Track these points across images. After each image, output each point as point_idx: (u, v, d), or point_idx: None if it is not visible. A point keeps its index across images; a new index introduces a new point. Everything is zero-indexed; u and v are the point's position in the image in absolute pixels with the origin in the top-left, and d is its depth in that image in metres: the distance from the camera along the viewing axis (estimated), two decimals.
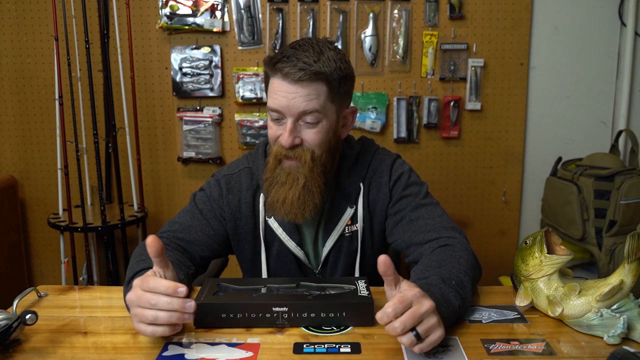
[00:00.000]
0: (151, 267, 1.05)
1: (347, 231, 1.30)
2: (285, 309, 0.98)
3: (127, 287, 1.05)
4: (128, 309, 0.99)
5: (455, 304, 0.97)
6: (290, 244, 1.28)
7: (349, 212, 1.29)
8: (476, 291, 1.15)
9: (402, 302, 0.84)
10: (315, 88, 1.13)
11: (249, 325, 0.98)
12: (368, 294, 1.01)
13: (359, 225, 1.30)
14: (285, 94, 1.13)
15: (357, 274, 1.32)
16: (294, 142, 1.16)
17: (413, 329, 0.84)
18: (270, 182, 1.22)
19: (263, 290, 1.05)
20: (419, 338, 0.84)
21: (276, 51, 1.42)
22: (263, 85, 2.44)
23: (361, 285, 1.05)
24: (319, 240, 1.32)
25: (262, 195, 1.28)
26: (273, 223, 1.28)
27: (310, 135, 1.17)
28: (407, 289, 0.87)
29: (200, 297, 1.00)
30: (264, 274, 1.32)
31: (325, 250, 1.30)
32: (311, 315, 0.98)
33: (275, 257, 1.31)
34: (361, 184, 1.30)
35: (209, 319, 0.98)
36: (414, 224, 1.23)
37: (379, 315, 0.85)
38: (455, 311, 0.97)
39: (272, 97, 1.16)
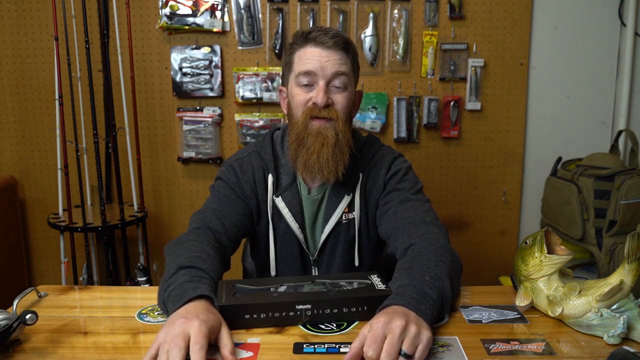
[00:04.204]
0: (201, 269, 1.02)
1: (344, 218, 1.34)
2: (308, 306, 0.98)
3: (166, 283, 1.00)
4: (164, 311, 0.98)
5: (433, 295, 0.96)
6: (294, 225, 1.32)
7: (347, 199, 1.33)
8: (476, 291, 1.15)
9: (375, 339, 0.84)
10: (344, 56, 1.27)
11: (273, 325, 0.98)
12: (385, 286, 1.02)
13: (356, 214, 1.34)
14: (319, 57, 1.24)
15: (356, 262, 1.36)
16: (327, 101, 1.24)
17: (400, 350, 0.84)
18: (299, 142, 1.26)
19: (282, 288, 1.04)
20: (410, 356, 0.84)
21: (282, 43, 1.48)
22: (263, 85, 2.46)
23: (375, 279, 1.06)
24: (316, 226, 1.36)
25: (270, 175, 1.33)
26: (280, 203, 1.32)
27: (340, 99, 1.27)
28: (374, 322, 0.87)
29: (222, 299, 0.98)
30: (271, 254, 1.35)
31: (322, 237, 1.34)
32: (334, 310, 0.98)
33: (281, 238, 1.35)
34: (360, 174, 1.34)
35: (232, 321, 0.95)
36: (398, 216, 1.26)
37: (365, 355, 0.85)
38: (434, 302, 0.95)
39: (304, 62, 1.25)
